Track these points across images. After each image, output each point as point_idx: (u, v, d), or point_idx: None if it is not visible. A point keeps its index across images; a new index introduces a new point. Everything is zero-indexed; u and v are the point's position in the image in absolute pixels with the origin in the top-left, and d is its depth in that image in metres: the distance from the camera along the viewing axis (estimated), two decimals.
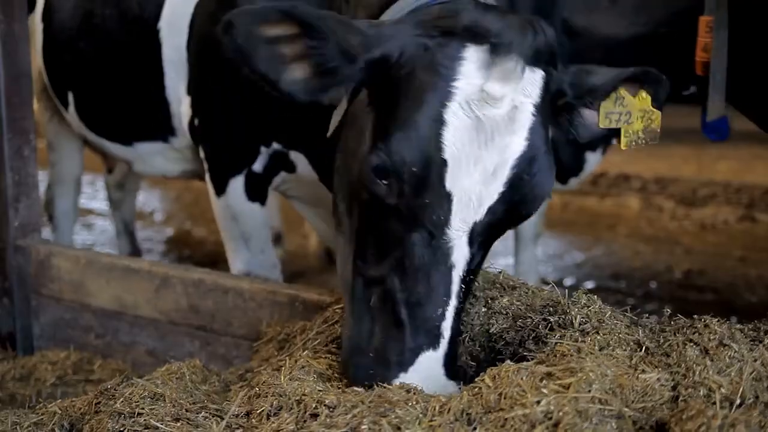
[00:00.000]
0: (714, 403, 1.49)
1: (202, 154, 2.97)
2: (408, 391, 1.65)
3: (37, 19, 3.60)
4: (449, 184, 1.71)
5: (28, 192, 3.03)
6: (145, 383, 1.88)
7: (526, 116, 1.74)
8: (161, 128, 3.16)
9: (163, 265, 2.92)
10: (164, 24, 2.99)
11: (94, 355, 2.85)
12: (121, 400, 1.82)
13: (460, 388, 1.73)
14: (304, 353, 1.93)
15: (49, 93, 3.80)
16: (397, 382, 1.73)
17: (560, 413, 1.46)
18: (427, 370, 1.75)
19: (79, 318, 2.92)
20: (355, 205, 1.87)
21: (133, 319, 2.79)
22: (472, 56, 1.72)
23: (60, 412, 1.95)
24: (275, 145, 2.79)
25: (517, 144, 1.73)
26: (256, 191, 2.90)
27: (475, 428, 1.51)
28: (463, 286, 1.78)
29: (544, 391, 1.51)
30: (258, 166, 2.84)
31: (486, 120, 1.70)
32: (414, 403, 1.59)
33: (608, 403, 1.51)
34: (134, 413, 1.78)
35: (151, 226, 6.59)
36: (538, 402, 1.49)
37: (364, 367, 1.78)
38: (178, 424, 1.75)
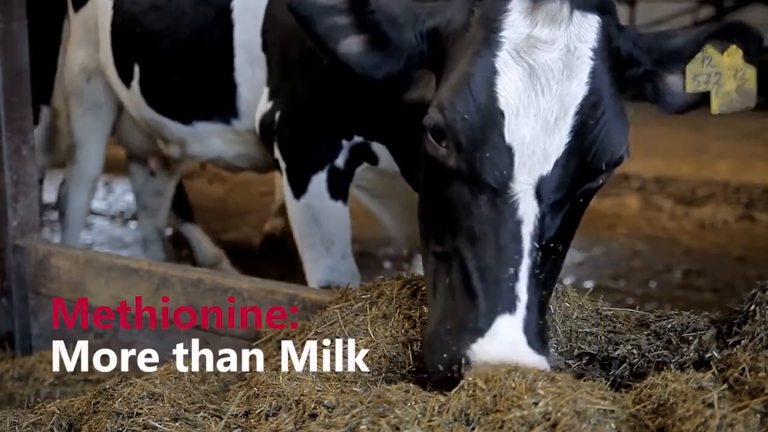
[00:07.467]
0: (711, 403, 1.49)
1: (277, 154, 2.85)
2: (407, 392, 1.65)
3: None
4: (509, 137, 1.66)
5: (26, 191, 3.03)
6: (143, 383, 1.89)
7: (584, 60, 1.70)
8: (225, 109, 3.13)
9: (162, 264, 2.92)
10: (237, 4, 2.96)
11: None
12: (120, 399, 1.82)
13: (551, 365, 1.63)
14: None
15: (86, 87, 3.87)
16: (475, 350, 1.62)
17: (558, 414, 1.45)
18: (505, 335, 1.63)
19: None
20: (424, 184, 1.87)
21: (132, 319, 2.79)
22: (517, 6, 1.72)
23: (58, 412, 1.95)
24: (357, 138, 2.70)
25: (576, 89, 1.68)
26: (339, 188, 2.77)
27: (473, 428, 1.51)
28: (537, 246, 1.67)
29: (541, 392, 1.51)
30: (340, 161, 2.73)
31: (539, 66, 1.67)
32: (413, 403, 1.59)
33: (607, 404, 1.51)
34: (133, 413, 1.78)
35: None
36: (536, 403, 1.48)
37: (440, 345, 1.67)
38: (177, 424, 1.75)
